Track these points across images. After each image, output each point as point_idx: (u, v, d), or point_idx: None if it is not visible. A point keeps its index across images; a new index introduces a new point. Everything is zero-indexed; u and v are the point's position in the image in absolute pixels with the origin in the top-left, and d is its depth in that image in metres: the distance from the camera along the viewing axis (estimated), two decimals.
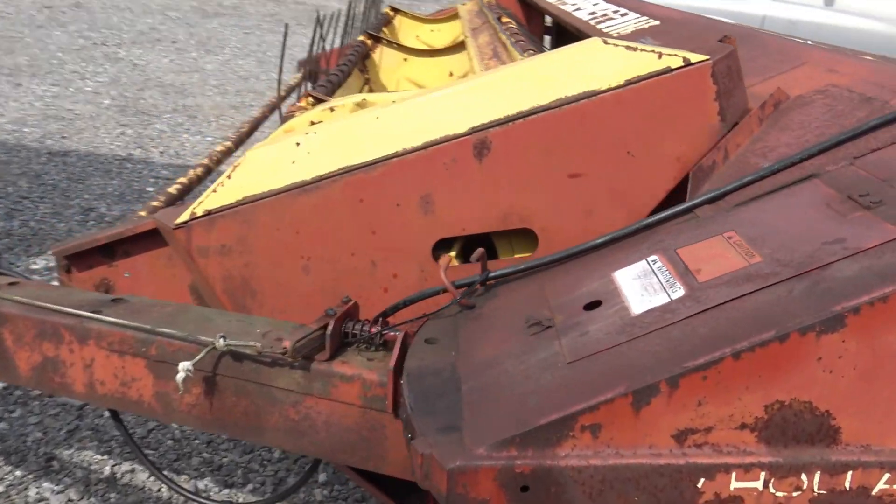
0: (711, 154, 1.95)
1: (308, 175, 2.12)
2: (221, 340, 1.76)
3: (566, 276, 1.72)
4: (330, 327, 1.76)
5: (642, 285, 1.53)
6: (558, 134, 2.10)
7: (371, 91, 4.83)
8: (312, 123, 2.39)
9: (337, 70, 3.67)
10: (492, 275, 1.82)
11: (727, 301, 1.34)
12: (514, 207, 2.17)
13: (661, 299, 1.45)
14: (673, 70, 2.06)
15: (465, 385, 1.45)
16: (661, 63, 2.07)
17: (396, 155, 2.10)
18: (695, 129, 2.11)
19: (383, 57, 5.28)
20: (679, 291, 1.44)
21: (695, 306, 1.37)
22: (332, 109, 2.37)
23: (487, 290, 1.84)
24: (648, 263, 1.61)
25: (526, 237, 2.25)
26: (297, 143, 2.14)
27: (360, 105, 2.38)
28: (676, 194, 2.20)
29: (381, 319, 1.83)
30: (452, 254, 2.29)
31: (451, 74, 5.29)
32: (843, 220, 1.46)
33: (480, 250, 1.83)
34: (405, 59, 5.41)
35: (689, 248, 1.60)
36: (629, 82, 2.07)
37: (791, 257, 1.39)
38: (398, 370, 1.68)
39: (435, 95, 2.14)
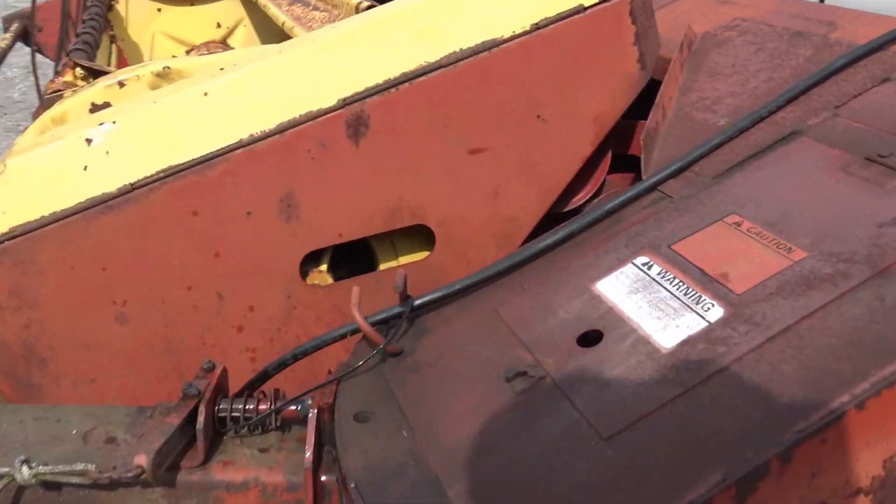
0: (653, 113, 1.68)
1: (111, 185, 1.56)
2: (25, 469, 1.20)
3: (525, 296, 1.37)
4: (201, 418, 1.27)
5: (650, 302, 1.22)
6: (453, 99, 1.72)
7: (120, 52, 4.12)
8: (95, 106, 1.80)
9: (87, 27, 2.97)
10: (418, 302, 1.42)
11: (800, 321, 1.06)
12: (404, 200, 1.77)
13: (692, 323, 1.14)
14: (587, 8, 1.75)
15: (451, 490, 1.05)
16: (572, 0, 1.75)
17: (241, 144, 1.61)
18: (613, 80, 1.82)
19: (130, 7, 4.52)
20: (715, 310, 1.14)
21: (756, 332, 1.08)
22: (121, 84, 1.79)
23: (411, 323, 1.43)
24: (639, 268, 1.30)
25: (413, 235, 1.87)
26: (88, 140, 1.57)
27: (163, 76, 1.83)
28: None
29: (274, 392, 1.36)
30: (323, 268, 1.85)
31: (218, 26, 4.66)
32: (880, 190, 1.24)
33: (401, 272, 1.42)
34: (159, 10, 4.67)
35: (686, 242, 1.31)
36: (537, 27, 1.72)
37: (847, 248, 1.15)
38: (317, 463, 1.24)
39: (284, 57, 1.65)
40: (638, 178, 2.06)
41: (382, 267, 1.91)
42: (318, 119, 1.63)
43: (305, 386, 1.68)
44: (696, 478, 0.92)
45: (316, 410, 1.27)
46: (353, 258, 1.91)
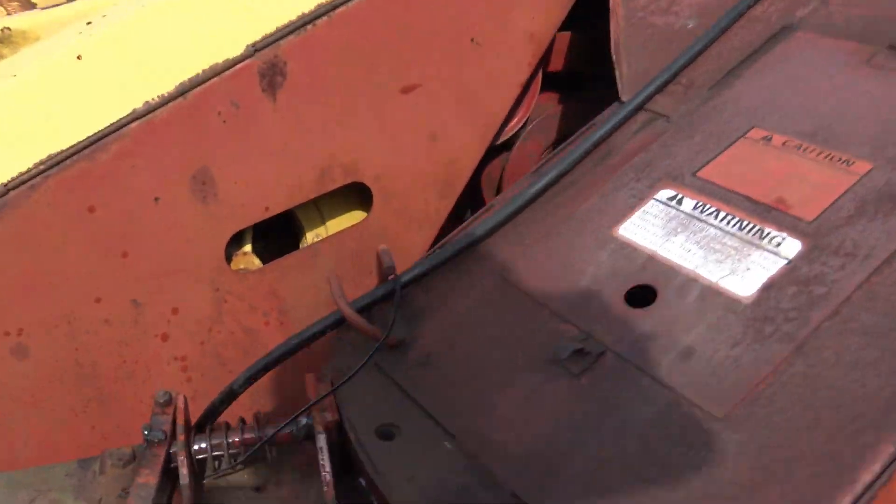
0: (612, 24, 1.47)
1: None
2: None
3: (532, 254, 1.15)
4: (184, 470, 0.97)
5: (699, 244, 1.03)
6: (379, 30, 1.44)
7: None
8: None
9: None
10: (405, 279, 1.16)
11: None
12: (335, 157, 1.48)
13: (766, 262, 0.97)
14: None
15: None
16: None
17: (136, 116, 1.27)
18: None
19: None
20: (789, 243, 0.98)
21: (855, 265, 0.92)
22: None
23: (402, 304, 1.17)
24: (666, 204, 1.11)
25: (340, 196, 1.58)
26: None
27: (2, 40, 1.39)
28: None
29: (256, 417, 1.07)
30: (248, 249, 1.54)
31: None
32: None
33: (385, 248, 1.15)
34: None
35: (712, 167, 1.13)
36: None
37: None
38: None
39: None
40: (569, 97, 1.87)
41: (310, 237, 1.61)
42: (226, 73, 1.31)
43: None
44: (865, 454, 0.76)
45: (324, 433, 1.01)
46: (268, 230, 1.60)
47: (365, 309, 1.16)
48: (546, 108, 1.86)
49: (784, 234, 0.99)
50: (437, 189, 1.64)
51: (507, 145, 1.84)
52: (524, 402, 0.97)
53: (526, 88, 1.74)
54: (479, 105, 1.61)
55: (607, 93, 1.81)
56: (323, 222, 1.64)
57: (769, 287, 0.94)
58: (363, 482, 0.98)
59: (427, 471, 0.93)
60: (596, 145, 1.27)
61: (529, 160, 1.86)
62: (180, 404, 1.07)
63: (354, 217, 1.63)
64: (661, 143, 1.21)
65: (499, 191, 1.89)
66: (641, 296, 1.02)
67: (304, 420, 1.07)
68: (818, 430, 0.80)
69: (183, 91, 1.28)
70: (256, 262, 1.54)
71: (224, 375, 1.45)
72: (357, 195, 1.61)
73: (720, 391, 0.87)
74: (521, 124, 1.80)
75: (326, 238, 1.57)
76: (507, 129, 1.77)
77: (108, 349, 1.37)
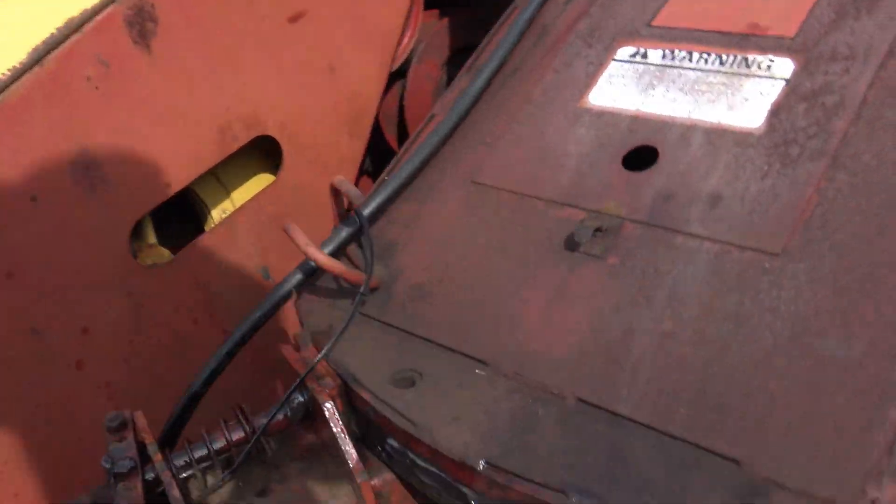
0: None
1: None
2: None
3: (499, 150, 1.05)
4: (174, 492, 0.83)
5: (682, 90, 0.98)
6: None
7: None
8: None
9: None
10: (367, 211, 1.04)
11: None
12: (232, 109, 1.34)
13: (763, 88, 0.92)
14: None
15: (623, 407, 0.76)
16: None
17: None
18: None
19: None
20: (781, 63, 0.93)
21: (858, 66, 0.88)
22: None
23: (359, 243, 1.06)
24: (630, 62, 1.04)
25: (243, 159, 1.44)
26: None
27: None
28: None
29: (240, 411, 0.93)
30: (152, 239, 1.37)
31: None
32: None
33: (339, 178, 1.02)
34: None
35: (666, 14, 1.07)
36: None
37: None
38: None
39: None
40: (448, 12, 1.79)
41: (216, 214, 1.46)
42: (87, 27, 1.14)
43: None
44: None
45: (331, 406, 0.89)
46: (164, 219, 1.45)
47: (333, 255, 1.04)
48: (431, 25, 1.77)
49: (771, 56, 0.94)
50: (346, 128, 1.52)
51: (401, 72, 1.74)
52: (552, 301, 0.88)
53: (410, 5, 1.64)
54: (372, 25, 1.49)
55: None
56: (228, 194, 1.49)
57: (777, 111, 0.90)
58: (394, 443, 0.87)
59: (469, 404, 0.83)
60: (528, 25, 1.19)
61: (428, 82, 1.77)
62: (141, 422, 0.91)
63: (262, 181, 1.49)
64: (598, 5, 1.14)
65: (401, 121, 1.79)
66: (640, 158, 0.95)
67: (298, 398, 0.94)
68: (889, 234, 0.76)
69: (38, 58, 1.09)
70: (166, 253, 1.38)
71: (160, 392, 1.27)
72: (259, 154, 1.47)
73: (768, 226, 0.81)
74: (411, 45, 1.70)
75: (241, 208, 1.42)
76: (399, 52, 1.67)
77: (16, 395, 1.18)
